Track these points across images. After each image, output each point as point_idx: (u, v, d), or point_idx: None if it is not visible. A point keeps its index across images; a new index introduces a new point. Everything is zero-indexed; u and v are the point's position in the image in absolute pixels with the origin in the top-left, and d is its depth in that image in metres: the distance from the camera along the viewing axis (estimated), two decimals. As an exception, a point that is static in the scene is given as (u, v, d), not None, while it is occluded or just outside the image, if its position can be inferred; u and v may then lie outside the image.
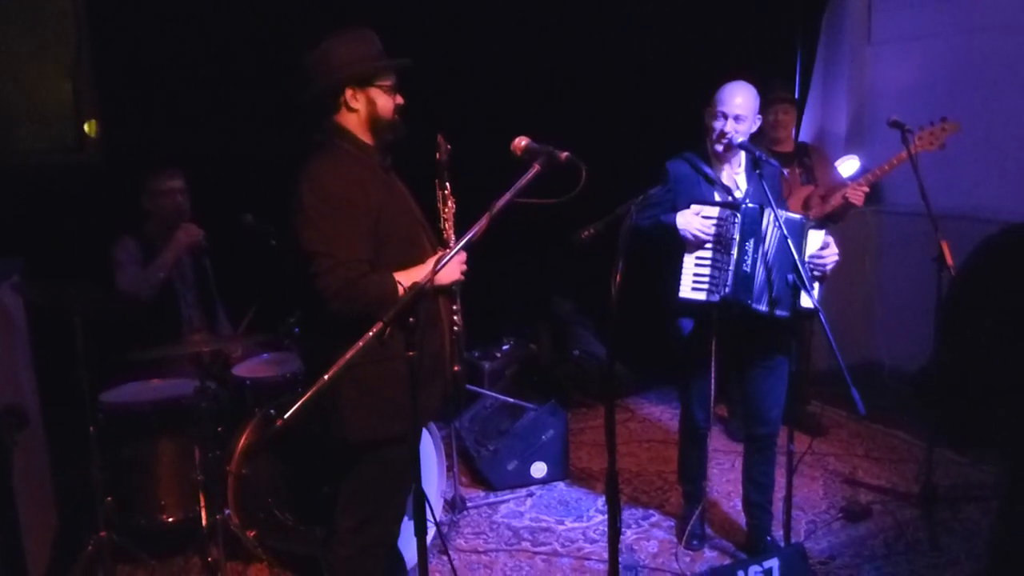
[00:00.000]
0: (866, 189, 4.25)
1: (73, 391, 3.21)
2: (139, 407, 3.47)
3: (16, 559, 2.93)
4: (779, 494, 3.39)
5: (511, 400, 4.49)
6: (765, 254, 3.14)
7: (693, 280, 3.25)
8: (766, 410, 3.41)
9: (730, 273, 3.16)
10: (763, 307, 3.15)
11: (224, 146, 4.18)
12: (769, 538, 3.52)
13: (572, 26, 5.03)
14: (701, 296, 3.24)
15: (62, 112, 4.27)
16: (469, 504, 4.07)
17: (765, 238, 3.15)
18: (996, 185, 4.91)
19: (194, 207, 3.94)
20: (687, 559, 3.57)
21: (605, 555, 3.39)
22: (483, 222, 2.16)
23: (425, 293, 2.24)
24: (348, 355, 1.96)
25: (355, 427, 2.50)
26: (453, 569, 3.33)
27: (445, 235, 2.65)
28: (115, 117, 4.27)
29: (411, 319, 2.09)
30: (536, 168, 2.23)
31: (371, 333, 1.97)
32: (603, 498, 4.05)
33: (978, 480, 4.09)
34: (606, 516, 2.51)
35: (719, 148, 3.26)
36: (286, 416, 1.88)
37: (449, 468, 3.85)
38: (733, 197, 3.30)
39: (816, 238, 3.17)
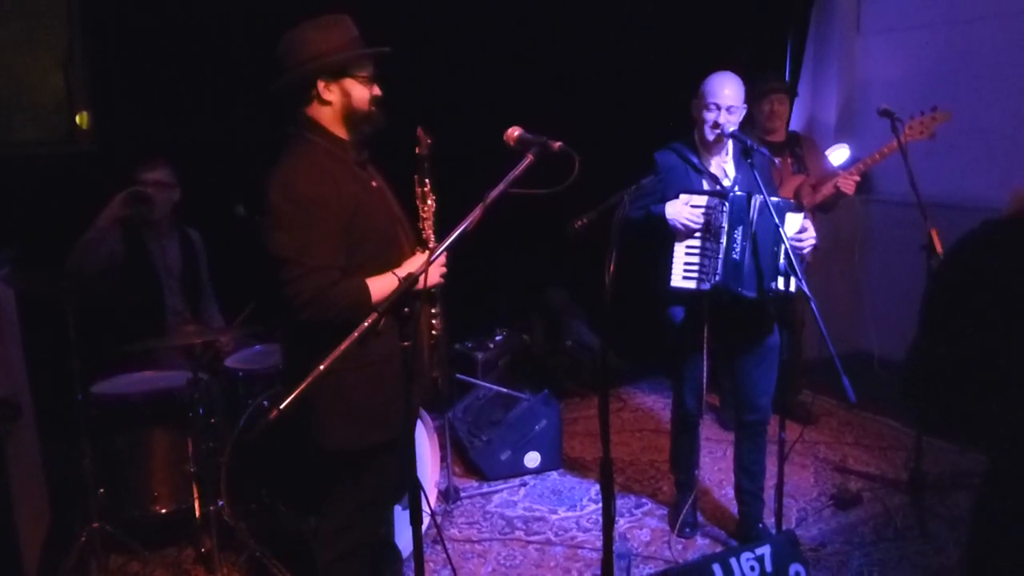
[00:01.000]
0: (857, 178, 4.27)
1: (65, 382, 3.20)
2: (132, 398, 3.46)
3: (11, 550, 2.93)
4: (770, 482, 3.42)
5: (504, 390, 4.49)
6: (753, 241, 3.16)
7: (684, 269, 3.27)
8: (756, 397, 3.44)
9: (720, 261, 3.18)
10: (752, 293, 3.18)
11: (217, 137, 4.15)
12: (760, 525, 3.55)
13: (565, 16, 5.02)
14: (692, 284, 3.26)
15: (54, 103, 4.25)
16: (463, 494, 4.09)
17: (753, 225, 3.16)
18: (986, 174, 4.94)
19: (188, 198, 3.92)
20: (679, 547, 3.59)
21: (598, 544, 3.41)
22: (477, 212, 2.13)
23: (416, 286, 2.19)
24: (343, 346, 1.95)
25: (332, 435, 2.43)
26: (448, 558, 3.34)
27: (424, 235, 2.52)
28: (107, 108, 4.24)
29: (406, 310, 2.08)
30: (529, 158, 2.19)
31: (366, 324, 1.96)
32: (596, 487, 4.08)
33: (966, 468, 4.13)
34: (599, 505, 2.53)
35: (711, 137, 3.27)
36: (281, 407, 1.87)
37: (443, 458, 3.86)
38: (721, 186, 3.32)
39: (794, 221, 3.19)
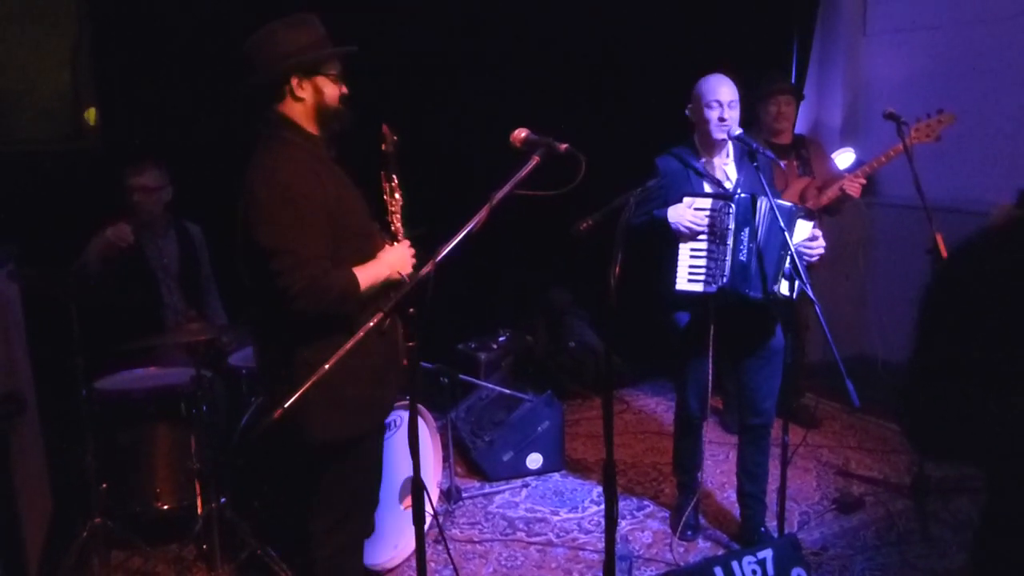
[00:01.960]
0: (863, 181, 4.26)
1: (68, 378, 3.21)
2: (135, 395, 3.47)
3: (14, 544, 2.93)
4: (773, 485, 3.42)
5: (507, 391, 4.49)
6: (759, 242, 3.16)
7: (689, 272, 3.26)
8: (760, 400, 3.43)
9: (727, 263, 3.18)
10: (758, 294, 3.18)
11: (223, 133, 4.15)
12: (763, 529, 3.54)
13: (570, 17, 5.01)
14: (698, 287, 3.25)
15: (61, 100, 4.26)
16: (464, 494, 4.09)
17: (758, 227, 3.16)
18: (991, 178, 4.92)
19: (192, 196, 3.91)
20: (681, 549, 3.59)
21: (600, 545, 3.42)
22: (483, 213, 2.13)
23: (404, 283, 2.21)
24: (348, 345, 1.95)
25: (320, 427, 2.44)
26: (449, 558, 3.34)
27: (393, 228, 2.57)
28: (114, 106, 4.24)
29: (411, 310, 2.08)
30: (535, 159, 2.19)
31: (372, 323, 1.97)
32: (598, 489, 4.08)
33: (969, 472, 4.11)
34: (601, 507, 2.53)
35: (718, 136, 3.26)
36: (285, 406, 1.87)
37: (445, 458, 3.86)
38: (724, 188, 3.31)
39: (804, 228, 3.19)
